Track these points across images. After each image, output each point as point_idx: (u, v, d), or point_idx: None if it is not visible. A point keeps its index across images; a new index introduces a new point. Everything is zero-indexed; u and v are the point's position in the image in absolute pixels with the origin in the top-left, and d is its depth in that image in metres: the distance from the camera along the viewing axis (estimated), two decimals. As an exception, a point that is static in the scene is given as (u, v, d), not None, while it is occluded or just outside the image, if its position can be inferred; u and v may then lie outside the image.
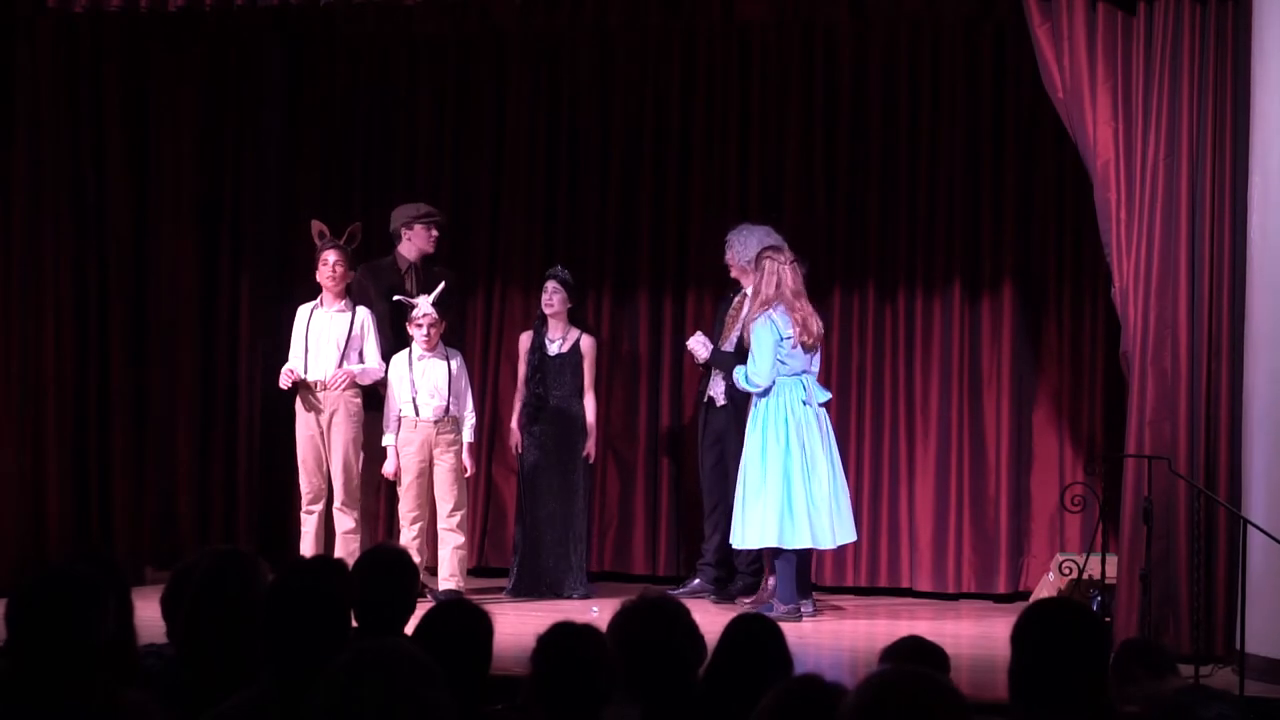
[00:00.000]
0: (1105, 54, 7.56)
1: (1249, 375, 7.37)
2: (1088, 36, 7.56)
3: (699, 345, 9.04)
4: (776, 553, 8.51)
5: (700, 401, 9.33)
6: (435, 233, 9.29)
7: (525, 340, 9.29)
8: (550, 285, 9.16)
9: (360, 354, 8.87)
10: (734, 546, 8.73)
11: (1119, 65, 7.56)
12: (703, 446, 9.24)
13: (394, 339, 8.97)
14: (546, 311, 9.18)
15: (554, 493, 9.14)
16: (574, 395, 9.18)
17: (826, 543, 8.58)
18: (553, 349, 9.19)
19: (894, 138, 9.81)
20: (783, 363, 8.52)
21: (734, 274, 9.09)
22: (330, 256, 8.82)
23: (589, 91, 10.24)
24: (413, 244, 9.26)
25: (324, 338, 8.83)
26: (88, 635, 3.44)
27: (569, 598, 8.99)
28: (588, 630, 3.77)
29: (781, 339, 8.50)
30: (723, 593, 9.08)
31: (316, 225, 8.97)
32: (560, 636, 3.74)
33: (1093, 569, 7.69)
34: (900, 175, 9.80)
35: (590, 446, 9.21)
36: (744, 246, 9.01)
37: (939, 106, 9.75)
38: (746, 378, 8.56)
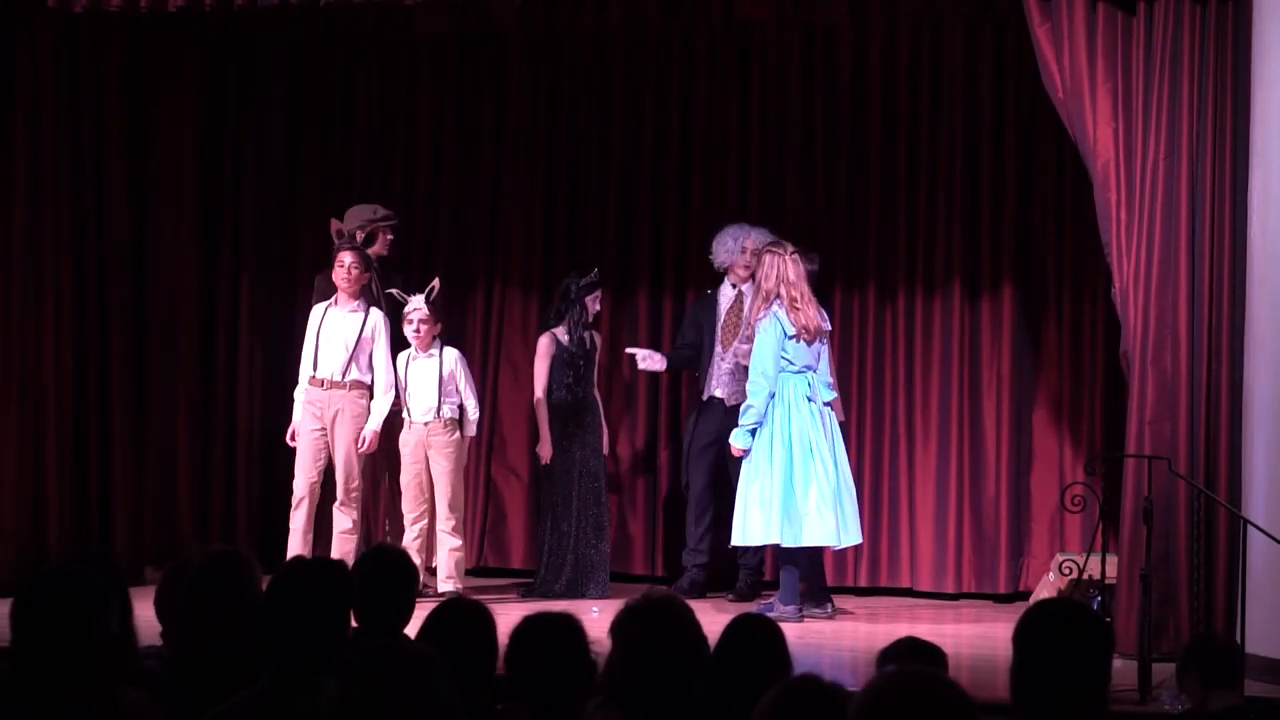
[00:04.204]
0: (1105, 54, 7.55)
1: (1249, 375, 7.37)
2: (1088, 36, 7.56)
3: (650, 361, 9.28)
4: (785, 553, 8.52)
5: (700, 400, 9.35)
6: (390, 236, 9.31)
7: (549, 345, 9.26)
8: (599, 293, 9.30)
9: (369, 356, 8.85)
10: (734, 545, 8.75)
11: (1119, 65, 7.56)
12: (695, 440, 9.29)
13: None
14: (592, 318, 9.29)
15: (591, 491, 9.20)
16: (593, 392, 9.29)
17: (829, 542, 8.58)
18: (586, 346, 9.26)
19: (894, 137, 9.81)
20: (789, 361, 8.53)
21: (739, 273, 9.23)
22: (346, 258, 8.82)
23: (589, 91, 10.25)
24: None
25: (335, 337, 8.84)
26: (89, 635, 3.44)
27: (593, 597, 8.99)
28: (559, 620, 3.76)
29: (787, 336, 8.52)
30: (741, 592, 9.11)
31: (335, 225, 8.99)
32: (530, 630, 3.73)
33: (1093, 569, 7.68)
34: (900, 175, 9.80)
35: (606, 441, 9.32)
36: (723, 243, 9.23)
37: (939, 106, 9.75)
38: (752, 397, 8.52)
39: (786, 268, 8.57)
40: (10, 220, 8.97)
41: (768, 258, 8.61)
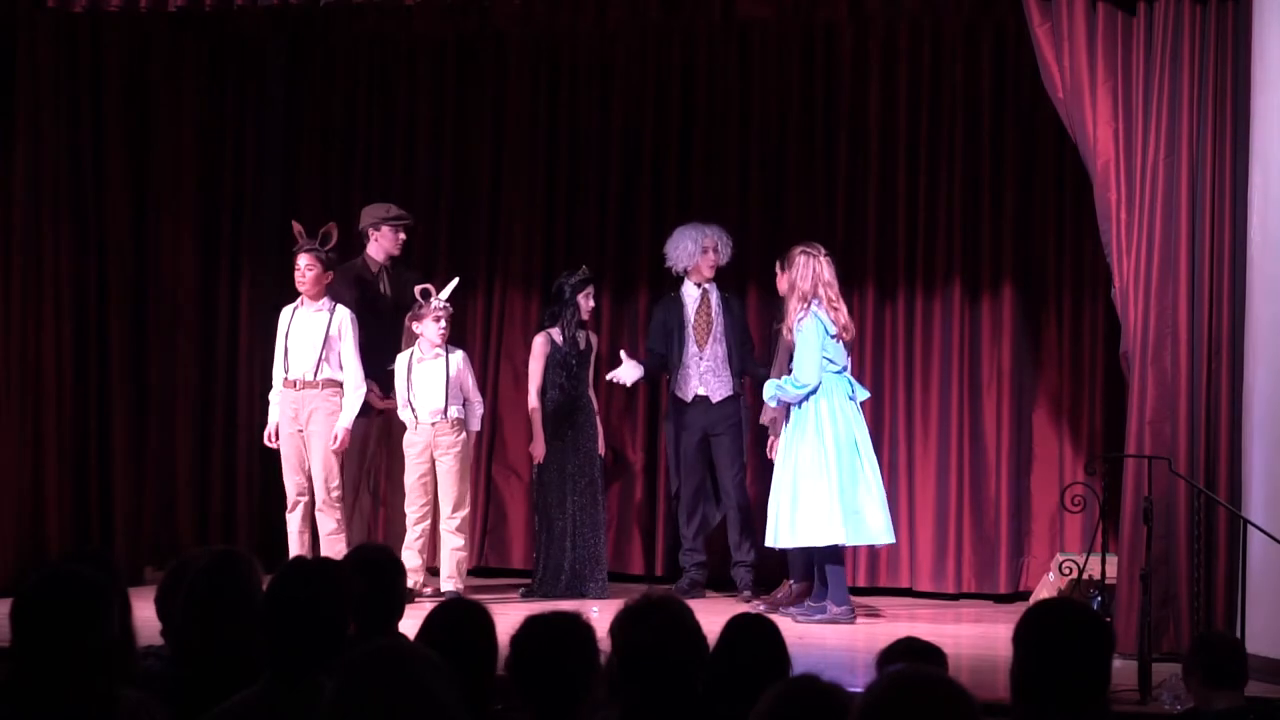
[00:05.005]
0: (1105, 54, 7.56)
1: (1249, 375, 7.37)
2: (1088, 36, 7.56)
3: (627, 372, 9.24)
4: (829, 555, 8.51)
5: (680, 403, 9.33)
6: (403, 235, 9.32)
7: (544, 345, 9.24)
8: (591, 289, 9.23)
9: (339, 355, 8.82)
10: (780, 546, 8.68)
11: (1119, 65, 7.56)
12: (683, 442, 9.29)
13: (366, 341, 8.93)
14: (587, 315, 9.26)
15: (587, 491, 9.20)
16: (587, 392, 9.28)
17: (883, 539, 8.62)
18: (581, 346, 9.24)
19: (893, 137, 9.81)
20: (831, 360, 8.56)
21: (706, 274, 9.30)
22: (301, 260, 8.82)
23: (589, 91, 10.25)
24: (380, 245, 9.28)
25: (303, 337, 8.83)
26: (89, 635, 3.44)
27: (592, 597, 8.99)
28: (563, 620, 3.76)
29: (829, 335, 8.54)
30: (763, 593, 9.15)
31: (296, 226, 8.97)
32: (533, 630, 3.73)
33: (1093, 569, 7.69)
34: (900, 175, 9.80)
35: (603, 443, 9.33)
36: (681, 246, 9.25)
37: (939, 106, 9.75)
38: (792, 384, 8.54)
39: (822, 269, 8.61)
40: (10, 220, 8.97)
41: (801, 259, 8.62)
